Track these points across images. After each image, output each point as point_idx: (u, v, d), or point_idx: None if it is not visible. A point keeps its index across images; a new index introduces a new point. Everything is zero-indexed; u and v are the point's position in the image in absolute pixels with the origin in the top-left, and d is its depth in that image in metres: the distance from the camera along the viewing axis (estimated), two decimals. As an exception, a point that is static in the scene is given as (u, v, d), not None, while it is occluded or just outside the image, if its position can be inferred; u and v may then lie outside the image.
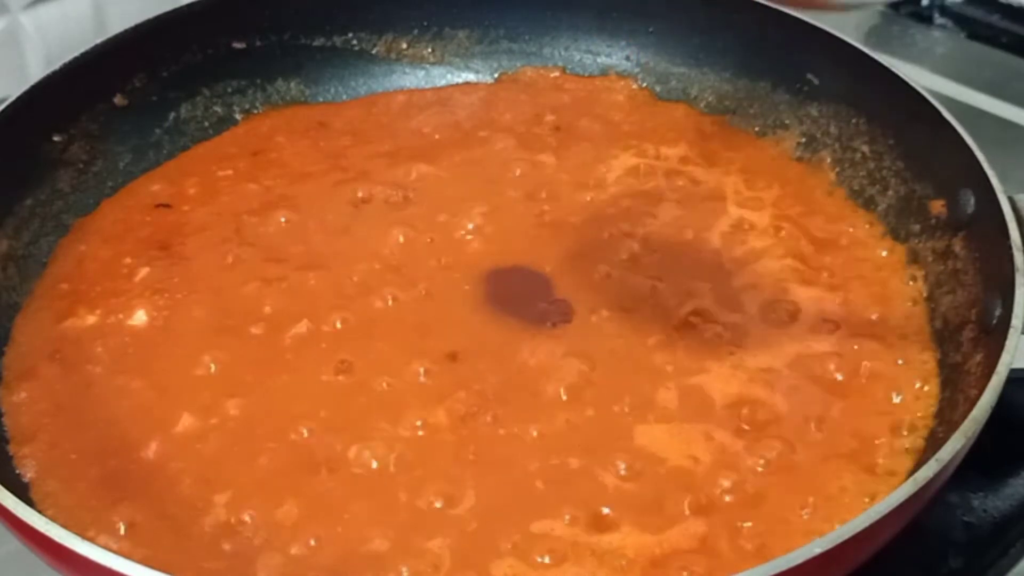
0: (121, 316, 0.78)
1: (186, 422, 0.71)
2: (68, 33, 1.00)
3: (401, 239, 0.84)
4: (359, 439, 0.69)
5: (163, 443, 0.70)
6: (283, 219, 0.86)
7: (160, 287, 0.80)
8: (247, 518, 0.65)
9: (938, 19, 1.23)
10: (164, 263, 0.82)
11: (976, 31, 1.21)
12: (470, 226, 0.85)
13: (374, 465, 0.68)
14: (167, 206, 0.88)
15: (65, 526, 0.55)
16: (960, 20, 1.22)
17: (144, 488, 0.67)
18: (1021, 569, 0.71)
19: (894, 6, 1.24)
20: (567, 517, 0.65)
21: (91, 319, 0.78)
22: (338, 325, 0.77)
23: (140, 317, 0.78)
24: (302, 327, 0.77)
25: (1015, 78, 1.14)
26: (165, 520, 0.66)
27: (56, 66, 0.84)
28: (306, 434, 0.70)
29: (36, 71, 0.85)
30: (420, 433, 0.70)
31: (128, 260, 0.83)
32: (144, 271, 0.82)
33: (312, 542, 0.64)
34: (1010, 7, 1.19)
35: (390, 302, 0.79)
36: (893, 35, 1.23)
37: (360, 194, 0.88)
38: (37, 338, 0.77)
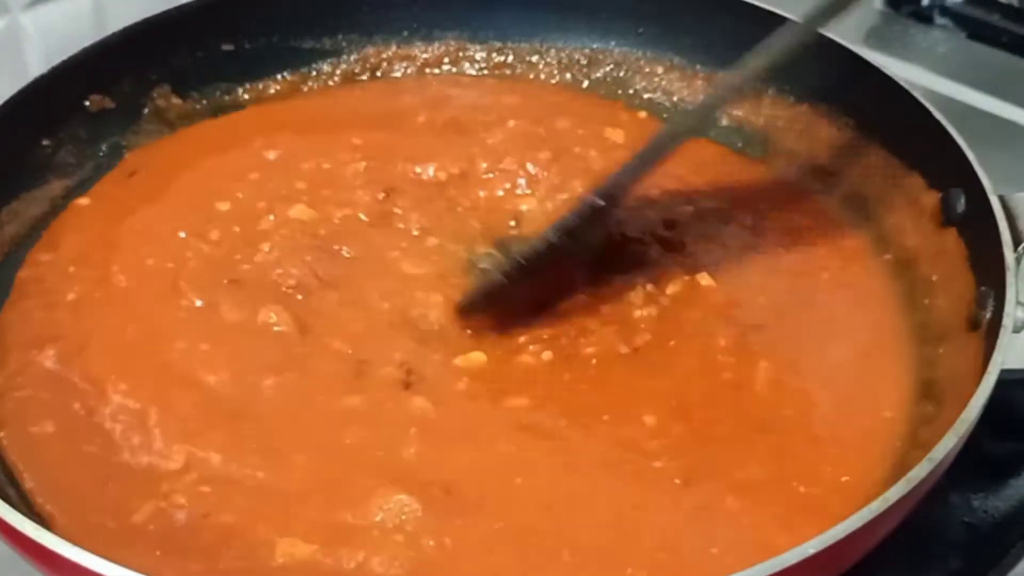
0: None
1: None
2: (68, 34, 1.00)
3: None
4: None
5: None
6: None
7: None
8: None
9: (938, 19, 1.22)
10: None
11: (976, 31, 1.20)
12: None
13: None
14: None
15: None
16: (960, 20, 1.21)
17: None
18: (1021, 570, 0.71)
19: (894, 5, 1.24)
20: None
21: None
22: None
23: None
24: None
25: (1015, 78, 1.14)
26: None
27: (44, 71, 0.84)
28: None
29: (36, 72, 0.85)
30: None
31: None
32: None
33: None
34: (1010, 7, 1.19)
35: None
36: (893, 35, 1.22)
37: None
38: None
